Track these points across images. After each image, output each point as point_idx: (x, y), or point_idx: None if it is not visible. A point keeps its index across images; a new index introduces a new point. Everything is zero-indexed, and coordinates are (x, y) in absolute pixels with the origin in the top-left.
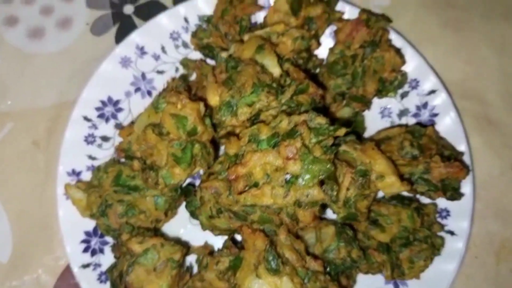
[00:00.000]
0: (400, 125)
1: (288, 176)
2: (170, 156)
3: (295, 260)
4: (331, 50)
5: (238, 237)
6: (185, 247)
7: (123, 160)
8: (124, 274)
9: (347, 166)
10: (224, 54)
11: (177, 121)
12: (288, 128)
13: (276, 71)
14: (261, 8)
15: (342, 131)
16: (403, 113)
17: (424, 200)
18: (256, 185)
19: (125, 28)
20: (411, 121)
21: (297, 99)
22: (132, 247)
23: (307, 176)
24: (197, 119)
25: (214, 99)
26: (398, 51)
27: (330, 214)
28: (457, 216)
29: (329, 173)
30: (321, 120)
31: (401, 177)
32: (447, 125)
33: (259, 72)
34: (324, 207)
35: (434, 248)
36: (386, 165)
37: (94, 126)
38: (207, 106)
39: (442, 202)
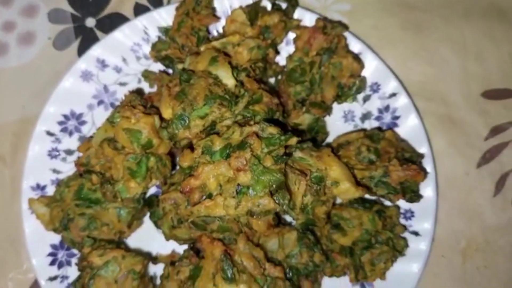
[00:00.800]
0: (360, 130)
1: (239, 187)
2: (125, 170)
3: (253, 268)
4: (290, 57)
5: None
6: (147, 258)
7: None
8: (85, 287)
9: (300, 175)
10: (180, 66)
11: (130, 135)
12: (240, 139)
13: (230, 82)
14: (218, 19)
15: (293, 140)
16: (365, 116)
17: (388, 202)
18: (210, 196)
19: (87, 42)
20: (374, 124)
21: (253, 109)
22: (92, 260)
23: (258, 187)
24: (152, 132)
25: (167, 112)
26: (356, 57)
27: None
28: (421, 216)
29: (279, 183)
30: (272, 130)
31: (358, 182)
32: (409, 127)
33: (211, 84)
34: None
35: (395, 250)
36: (341, 172)
37: (58, 140)
38: (163, 118)
39: (406, 204)
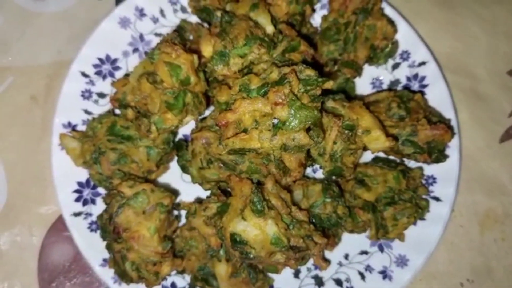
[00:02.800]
0: (389, 90)
1: (275, 121)
2: (162, 103)
3: (281, 207)
4: (325, 17)
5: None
6: (174, 194)
7: (118, 112)
8: (114, 215)
9: (334, 117)
10: (219, 13)
11: (170, 69)
12: (278, 78)
13: (269, 28)
14: None
15: (330, 83)
16: (393, 84)
17: (412, 165)
18: (245, 131)
19: None
20: None
21: (289, 57)
22: (123, 190)
23: (294, 121)
24: (191, 70)
25: (207, 50)
26: (390, 21)
27: (318, 175)
28: (443, 182)
29: (315, 120)
30: (310, 72)
31: (388, 134)
32: (437, 95)
33: (252, 27)
34: (309, 157)
35: (418, 207)
36: (372, 121)
37: (91, 82)
38: (200, 59)
39: (429, 169)
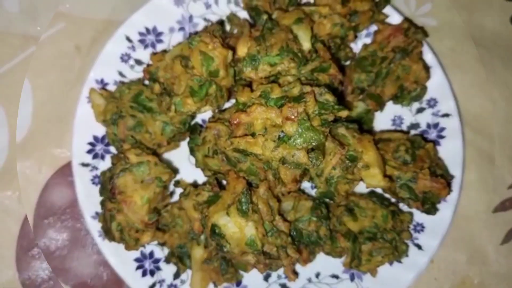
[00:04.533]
0: (405, 132)
1: (282, 134)
2: (187, 88)
3: (265, 213)
4: (365, 46)
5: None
6: (174, 173)
7: (147, 82)
8: (115, 176)
9: (338, 145)
10: (265, 17)
11: (203, 59)
12: (298, 94)
13: (306, 45)
14: None
15: (344, 113)
16: (413, 126)
17: (405, 208)
18: (253, 135)
19: None
20: None
21: (317, 76)
22: (129, 156)
23: (299, 139)
24: (222, 64)
25: (242, 50)
26: (426, 66)
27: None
28: (430, 233)
29: (319, 143)
30: (329, 97)
31: (386, 175)
32: (450, 150)
33: (290, 39)
34: (305, 174)
35: (396, 250)
36: (375, 158)
37: (133, 48)
38: (234, 56)
39: (420, 217)
